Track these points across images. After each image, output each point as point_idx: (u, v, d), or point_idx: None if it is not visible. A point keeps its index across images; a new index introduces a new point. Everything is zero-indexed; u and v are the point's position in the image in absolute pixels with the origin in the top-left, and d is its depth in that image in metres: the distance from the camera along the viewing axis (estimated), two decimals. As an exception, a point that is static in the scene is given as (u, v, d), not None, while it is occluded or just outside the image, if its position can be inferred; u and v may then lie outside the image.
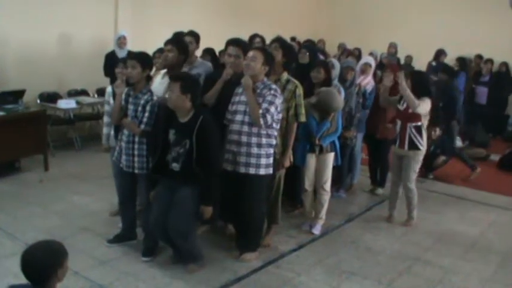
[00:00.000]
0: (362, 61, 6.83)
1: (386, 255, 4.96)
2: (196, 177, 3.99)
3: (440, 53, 11.36)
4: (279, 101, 4.28)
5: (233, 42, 4.70)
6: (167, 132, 4.13)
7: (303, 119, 4.79)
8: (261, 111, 4.17)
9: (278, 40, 4.98)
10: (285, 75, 4.76)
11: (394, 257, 4.93)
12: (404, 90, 5.23)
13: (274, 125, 4.34)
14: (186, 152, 4.02)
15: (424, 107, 5.31)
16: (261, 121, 4.18)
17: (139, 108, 4.35)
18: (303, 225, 5.48)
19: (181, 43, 5.02)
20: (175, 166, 4.07)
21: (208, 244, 4.69)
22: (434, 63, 11.35)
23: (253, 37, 6.19)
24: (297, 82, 4.78)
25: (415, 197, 5.63)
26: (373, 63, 6.79)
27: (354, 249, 5.08)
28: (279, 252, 4.87)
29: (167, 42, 4.96)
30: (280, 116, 4.42)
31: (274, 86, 4.32)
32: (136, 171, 4.43)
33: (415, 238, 5.42)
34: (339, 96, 5.23)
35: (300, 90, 4.73)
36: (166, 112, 4.24)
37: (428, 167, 7.69)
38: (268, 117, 4.19)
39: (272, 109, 4.20)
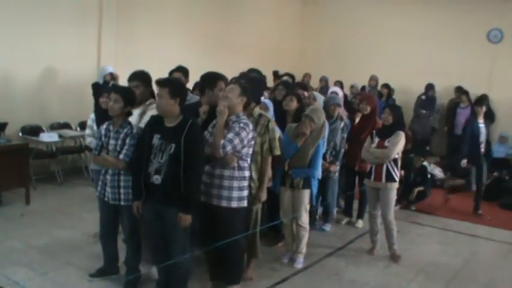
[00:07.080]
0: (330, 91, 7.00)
1: (370, 288, 4.97)
2: (178, 192, 3.93)
3: (429, 88, 11.64)
4: (246, 134, 4.22)
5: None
6: (151, 138, 4.09)
7: (277, 152, 4.79)
8: (222, 141, 4.12)
9: (240, 76, 5.05)
10: (257, 110, 4.77)
11: (378, 289, 4.93)
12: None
13: (244, 157, 4.33)
14: (169, 159, 3.96)
15: (397, 148, 5.46)
16: (221, 151, 4.11)
17: (120, 142, 4.35)
18: (283, 257, 5.47)
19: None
20: (157, 178, 3.99)
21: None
22: (423, 97, 11.67)
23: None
24: (269, 116, 4.82)
25: (395, 229, 5.64)
26: (340, 92, 7.04)
27: (337, 281, 5.07)
28: (262, 286, 4.83)
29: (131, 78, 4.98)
30: (251, 150, 4.39)
31: (245, 121, 4.29)
32: (122, 203, 4.40)
33: (398, 270, 5.44)
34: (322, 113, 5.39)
35: (272, 124, 4.75)
36: (151, 119, 4.25)
37: (409, 197, 7.78)
38: (228, 148, 4.12)
39: (236, 141, 4.15)
